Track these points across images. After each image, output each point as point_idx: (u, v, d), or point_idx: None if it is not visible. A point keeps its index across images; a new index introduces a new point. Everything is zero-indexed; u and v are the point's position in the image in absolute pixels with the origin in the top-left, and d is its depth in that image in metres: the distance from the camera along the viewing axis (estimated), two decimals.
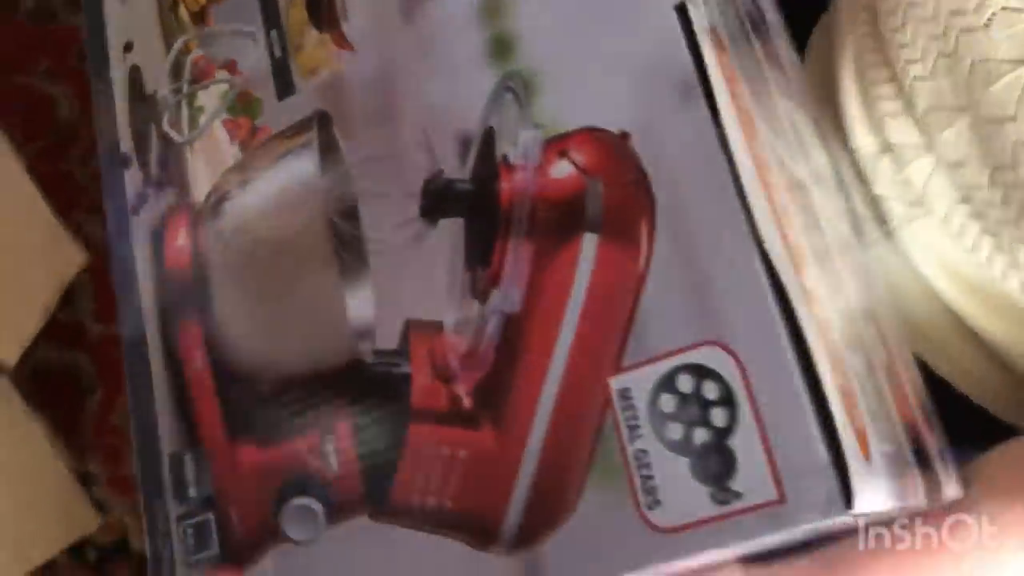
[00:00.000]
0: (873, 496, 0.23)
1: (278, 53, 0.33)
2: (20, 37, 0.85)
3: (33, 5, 0.86)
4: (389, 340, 0.29)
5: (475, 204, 0.28)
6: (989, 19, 0.34)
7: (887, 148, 0.37)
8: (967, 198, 0.37)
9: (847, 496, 0.22)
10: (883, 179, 0.37)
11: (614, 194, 0.26)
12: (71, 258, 0.55)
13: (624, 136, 0.26)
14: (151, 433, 0.33)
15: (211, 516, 0.31)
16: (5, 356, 0.57)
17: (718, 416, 0.24)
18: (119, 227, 0.35)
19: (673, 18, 0.26)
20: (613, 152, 0.27)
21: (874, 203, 0.39)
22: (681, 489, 0.24)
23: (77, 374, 0.74)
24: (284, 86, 0.33)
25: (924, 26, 0.35)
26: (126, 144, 0.36)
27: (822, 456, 0.22)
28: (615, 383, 0.25)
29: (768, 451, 0.23)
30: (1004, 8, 0.33)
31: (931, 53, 0.35)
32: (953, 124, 0.36)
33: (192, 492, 0.31)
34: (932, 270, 0.38)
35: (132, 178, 0.36)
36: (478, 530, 0.26)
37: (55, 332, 0.74)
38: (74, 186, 0.78)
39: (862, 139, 0.37)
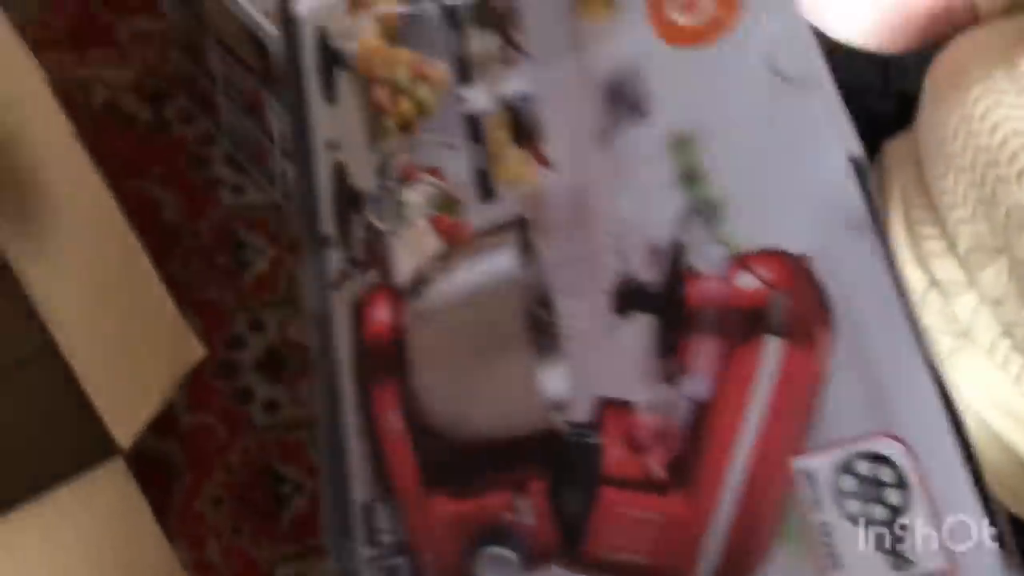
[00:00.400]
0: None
1: (480, 164, 0.39)
2: (136, 145, 0.91)
3: (150, 117, 0.93)
4: (581, 414, 0.34)
5: (664, 305, 0.34)
6: (1020, 171, 0.41)
7: (934, 283, 0.43)
8: (1009, 332, 0.43)
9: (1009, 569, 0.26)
10: (931, 311, 0.42)
11: (796, 306, 0.32)
12: (190, 351, 0.59)
13: (804, 258, 0.32)
14: (342, 483, 0.37)
15: (402, 560, 0.35)
16: (121, 440, 0.59)
17: (893, 496, 0.28)
18: (320, 298, 0.40)
19: (847, 166, 0.32)
20: (795, 271, 0.32)
21: None
22: (861, 557, 0.28)
23: (167, 460, 0.77)
24: (485, 192, 0.38)
25: (964, 175, 0.42)
26: (327, 227, 0.41)
27: (987, 533, 0.27)
28: (798, 464, 0.30)
29: (939, 528, 0.27)
30: None
31: (970, 199, 0.41)
32: (993, 264, 0.42)
33: (385, 538, 0.35)
34: (980, 401, 0.43)
35: (333, 257, 0.40)
36: None
37: (150, 423, 0.78)
38: (174, 284, 0.83)
39: (910, 274, 0.42)
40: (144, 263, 0.60)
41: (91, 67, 0.95)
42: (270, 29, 0.75)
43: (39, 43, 0.92)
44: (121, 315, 0.63)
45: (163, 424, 0.77)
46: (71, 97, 0.91)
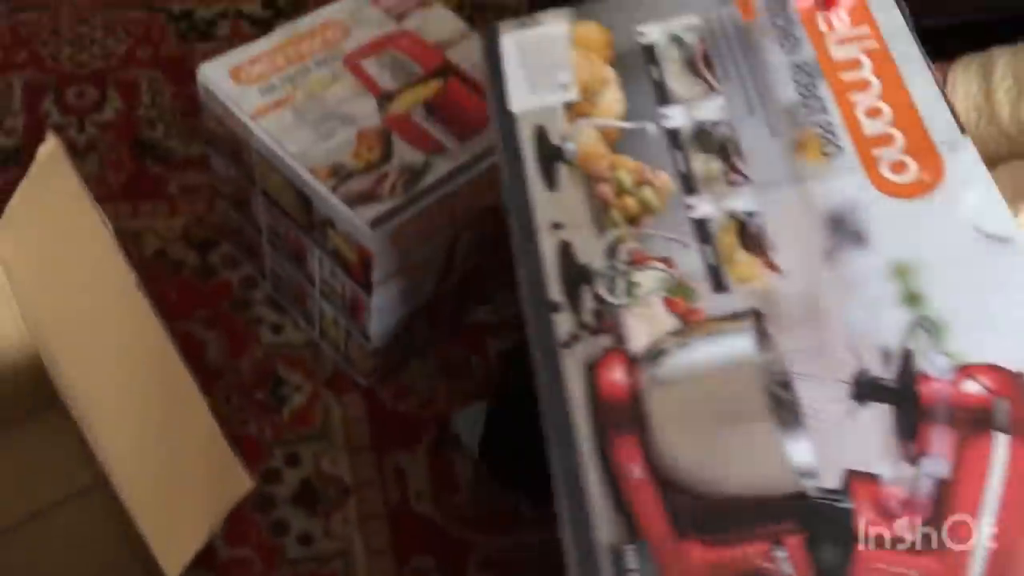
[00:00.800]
0: None
1: (711, 261, 0.45)
2: (183, 289, 0.95)
3: (197, 263, 0.97)
4: (830, 482, 0.38)
5: (900, 398, 0.40)
6: None
7: None
8: None
9: None
10: None
11: (1016, 411, 0.38)
12: (239, 483, 0.59)
13: (1021, 374, 0.39)
14: (585, 524, 0.39)
15: None
16: (170, 572, 0.59)
17: None
18: (548, 356, 0.43)
19: None
20: (1013, 382, 0.39)
21: None
22: None
23: None
24: (718, 285, 0.44)
25: None
26: (555, 294, 0.45)
27: None
28: None
29: None
30: None
31: None
32: None
33: (632, 570, 0.38)
34: None
35: (563, 323, 0.44)
36: None
37: None
38: (216, 418, 0.83)
39: None
40: (196, 395, 0.61)
41: (143, 218, 1.01)
42: (313, 183, 0.81)
43: (97, 197, 0.95)
44: (172, 450, 0.64)
45: (201, 558, 0.76)
46: (124, 246, 0.93)
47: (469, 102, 0.92)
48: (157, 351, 0.62)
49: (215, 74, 0.89)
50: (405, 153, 0.88)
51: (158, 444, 0.64)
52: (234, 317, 0.97)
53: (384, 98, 0.92)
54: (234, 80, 0.88)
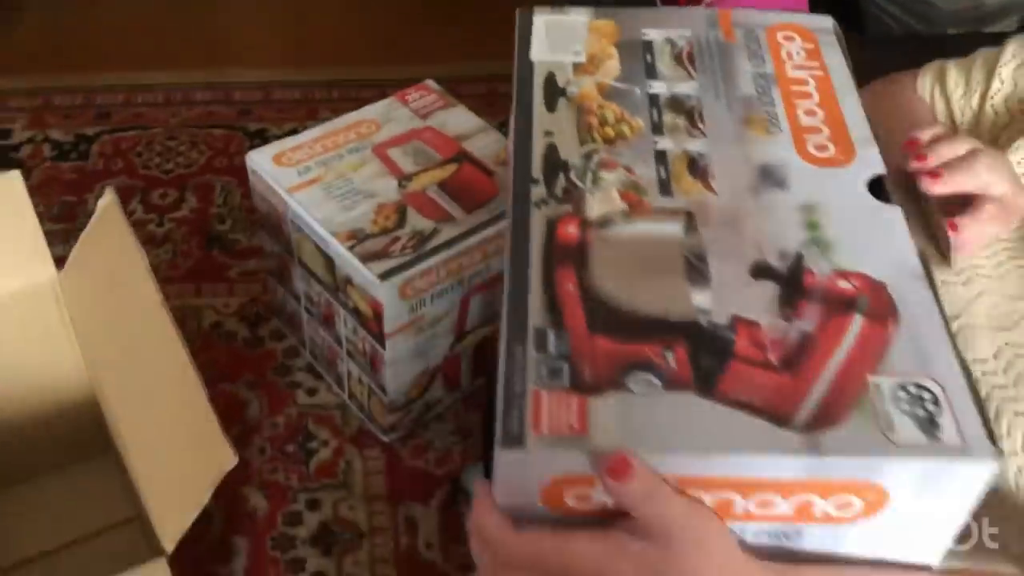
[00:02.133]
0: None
1: (663, 176, 0.56)
2: (233, 357, 1.10)
3: (248, 335, 1.12)
4: (720, 320, 0.48)
5: (787, 281, 0.50)
6: None
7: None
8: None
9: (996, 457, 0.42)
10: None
11: (874, 304, 0.48)
12: (224, 458, 0.66)
13: (882, 283, 0.50)
14: (522, 314, 0.48)
15: (565, 365, 0.46)
16: (166, 544, 0.68)
17: (930, 406, 0.44)
18: (521, 208, 0.54)
19: (910, 250, 0.51)
20: (875, 286, 0.49)
21: None
22: (907, 426, 0.42)
23: None
24: (665, 191, 0.55)
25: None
26: (536, 173, 0.56)
27: (983, 431, 0.42)
28: (871, 379, 0.45)
29: (959, 428, 0.42)
30: (943, 282, 0.58)
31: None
32: None
33: (552, 350, 0.46)
34: None
35: (537, 191, 0.55)
36: (776, 416, 0.43)
37: None
38: (250, 468, 1.00)
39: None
40: (201, 396, 0.72)
41: (205, 297, 1.16)
42: (335, 244, 0.94)
43: (168, 279, 1.15)
44: (174, 433, 0.74)
45: None
46: (187, 319, 1.13)
47: (479, 182, 1.06)
48: (177, 363, 0.73)
49: (260, 158, 1.05)
50: (417, 221, 1.02)
51: (165, 431, 0.75)
52: (275, 381, 1.10)
53: (404, 179, 1.06)
54: (276, 163, 1.04)
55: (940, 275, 0.63)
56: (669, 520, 0.42)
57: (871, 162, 0.55)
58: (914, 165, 0.62)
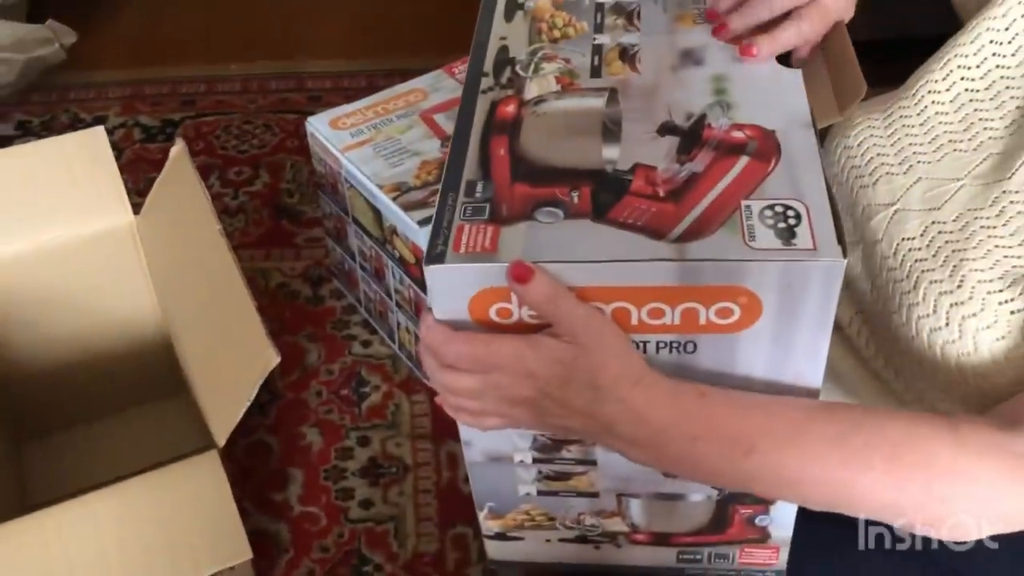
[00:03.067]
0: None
1: (596, 63, 0.64)
2: (296, 313, 1.21)
3: (311, 294, 1.23)
4: (623, 166, 0.56)
5: (687, 134, 0.58)
6: (876, 179, 0.66)
7: None
8: (860, 307, 0.65)
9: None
10: None
11: (761, 147, 0.56)
12: (269, 357, 0.73)
13: (772, 131, 0.57)
14: (459, 169, 0.58)
15: (487, 205, 0.55)
16: (219, 439, 0.76)
17: (792, 220, 0.51)
18: (469, 95, 0.63)
19: (803, 104, 0.58)
20: (765, 133, 0.57)
21: None
22: (766, 235, 0.50)
23: (276, 538, 0.98)
24: (595, 73, 0.63)
25: (840, 188, 0.66)
26: (487, 67, 0.65)
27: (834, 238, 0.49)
28: (744, 202, 0.52)
29: (813, 237, 0.50)
30: (887, 173, 0.64)
31: (842, 203, 0.65)
32: (852, 253, 0.65)
33: (478, 195, 0.56)
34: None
35: (486, 81, 0.64)
36: (654, 232, 0.51)
37: (268, 508, 1.01)
38: (307, 409, 1.10)
39: None
40: (237, 278, 0.79)
41: (273, 261, 1.27)
42: (380, 196, 1.03)
43: (241, 245, 1.29)
44: (224, 338, 0.83)
45: (277, 511, 1.00)
46: (255, 280, 1.24)
47: None
48: (231, 282, 0.82)
49: (318, 122, 1.15)
50: None
51: (221, 344, 0.84)
52: (333, 334, 1.19)
53: (446, 140, 1.12)
54: (332, 127, 1.14)
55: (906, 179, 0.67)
56: (573, 319, 0.51)
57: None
58: (718, 37, 0.64)
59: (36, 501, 0.96)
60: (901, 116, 0.66)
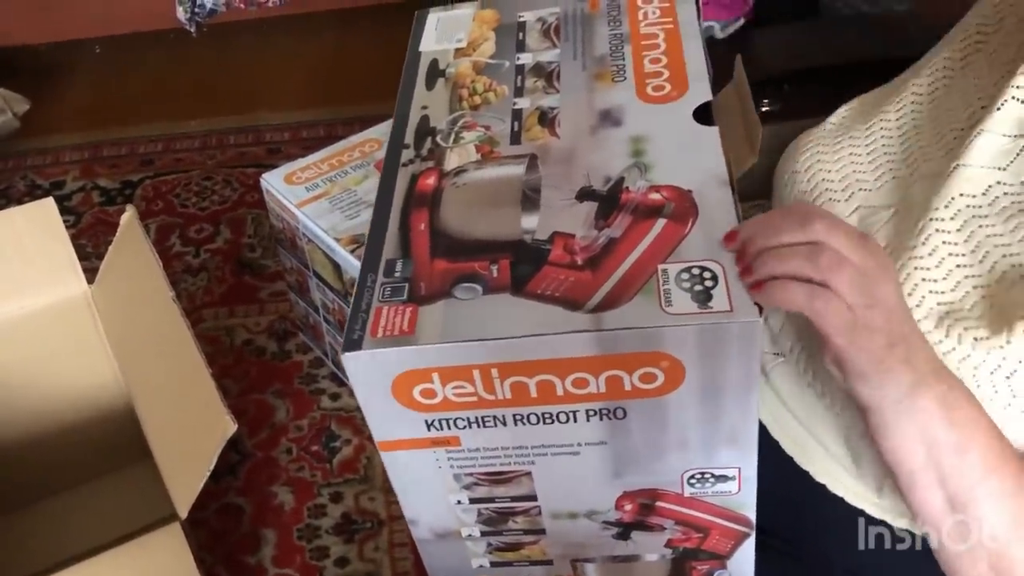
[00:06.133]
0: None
1: (516, 128, 0.65)
2: (263, 369, 1.21)
3: (277, 349, 1.23)
4: (542, 235, 0.57)
5: (605, 199, 0.58)
6: (821, 202, 0.65)
7: None
8: (800, 336, 0.65)
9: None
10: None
11: (678, 208, 0.56)
12: (225, 426, 0.73)
13: (688, 191, 0.57)
14: (378, 249, 0.58)
15: (405, 285, 0.55)
16: (181, 511, 0.76)
17: (708, 283, 0.51)
18: (390, 169, 0.63)
19: (720, 161, 0.59)
20: (682, 194, 0.57)
21: None
22: (683, 299, 0.50)
23: None
24: (515, 140, 0.64)
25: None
26: (408, 139, 0.65)
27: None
28: (661, 266, 0.53)
29: (729, 299, 0.50)
30: (830, 200, 0.64)
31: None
32: None
33: (397, 275, 0.56)
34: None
35: (407, 154, 0.65)
36: (571, 303, 0.51)
37: (243, 572, 1.00)
38: (278, 468, 1.11)
39: None
40: (192, 351, 0.80)
41: (237, 317, 1.27)
42: (339, 250, 1.03)
43: (204, 304, 1.30)
44: (197, 438, 0.82)
45: (251, 574, 1.00)
46: (220, 339, 1.25)
47: None
48: (186, 351, 0.82)
49: (273, 179, 1.16)
50: None
51: (179, 415, 0.84)
52: (301, 388, 1.19)
53: None
54: (287, 182, 1.15)
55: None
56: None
57: (700, 93, 0.63)
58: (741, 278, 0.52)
59: None
60: (850, 142, 0.66)
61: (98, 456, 1.05)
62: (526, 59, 0.68)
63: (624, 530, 0.60)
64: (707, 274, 0.50)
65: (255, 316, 1.29)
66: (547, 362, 0.50)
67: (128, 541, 0.78)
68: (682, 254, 0.52)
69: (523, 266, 0.53)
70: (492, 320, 0.51)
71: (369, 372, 0.52)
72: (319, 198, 1.14)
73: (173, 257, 1.35)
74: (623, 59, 0.66)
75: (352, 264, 1.03)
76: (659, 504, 0.58)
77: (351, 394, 1.16)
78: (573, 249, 0.53)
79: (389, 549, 1.03)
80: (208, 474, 0.77)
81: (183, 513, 0.79)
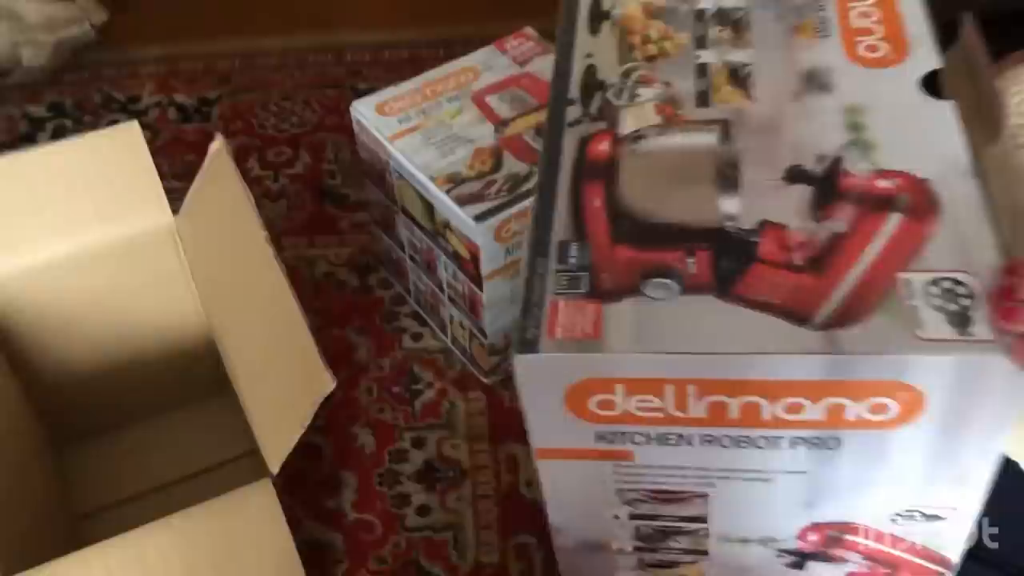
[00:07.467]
0: None
1: (702, 88, 0.55)
2: (344, 304, 1.13)
3: (358, 284, 1.15)
4: (747, 225, 0.47)
5: (822, 184, 0.48)
6: None
7: None
8: None
9: None
10: None
11: (914, 202, 0.47)
12: (323, 381, 0.68)
13: (925, 180, 0.48)
14: (547, 228, 0.49)
15: (584, 275, 0.46)
16: (272, 467, 0.71)
17: (964, 300, 0.42)
18: (555, 129, 0.54)
19: (959, 144, 0.49)
20: (917, 184, 0.47)
21: None
22: (936, 321, 0.41)
23: (330, 549, 0.91)
24: (702, 102, 0.54)
25: None
26: (573, 94, 0.56)
27: None
28: (902, 276, 0.43)
29: (994, 319, 0.41)
30: None
31: None
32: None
33: (572, 261, 0.47)
34: None
35: (572, 111, 0.55)
36: (794, 316, 0.43)
37: (321, 516, 0.93)
38: (358, 408, 1.03)
39: None
40: (291, 302, 0.74)
41: (317, 248, 1.19)
42: (433, 189, 0.95)
43: (283, 231, 1.20)
44: (278, 361, 0.77)
45: (330, 518, 0.93)
46: (300, 270, 1.17)
47: None
48: (281, 298, 0.76)
49: (364, 108, 1.07)
50: (512, 165, 1.02)
51: (271, 364, 0.77)
52: (382, 327, 1.11)
53: (501, 124, 1.05)
54: (378, 112, 1.06)
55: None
56: None
57: (924, 57, 0.52)
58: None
59: (81, 509, 0.93)
60: None
61: (176, 389, 1.00)
62: (707, 3, 0.58)
63: (800, 559, 0.52)
64: (961, 289, 0.41)
65: (336, 247, 1.22)
66: (758, 383, 0.42)
67: (209, 472, 0.74)
68: (927, 261, 0.43)
69: (727, 261, 0.44)
70: (695, 328, 0.42)
71: (543, 376, 0.44)
72: (412, 131, 1.05)
73: (252, 181, 1.27)
74: (824, 10, 0.56)
75: (448, 206, 0.95)
76: (849, 538, 0.50)
77: (433, 335, 1.10)
78: (788, 244, 0.44)
79: (472, 501, 0.97)
80: (303, 431, 0.72)
81: (274, 468, 0.74)
